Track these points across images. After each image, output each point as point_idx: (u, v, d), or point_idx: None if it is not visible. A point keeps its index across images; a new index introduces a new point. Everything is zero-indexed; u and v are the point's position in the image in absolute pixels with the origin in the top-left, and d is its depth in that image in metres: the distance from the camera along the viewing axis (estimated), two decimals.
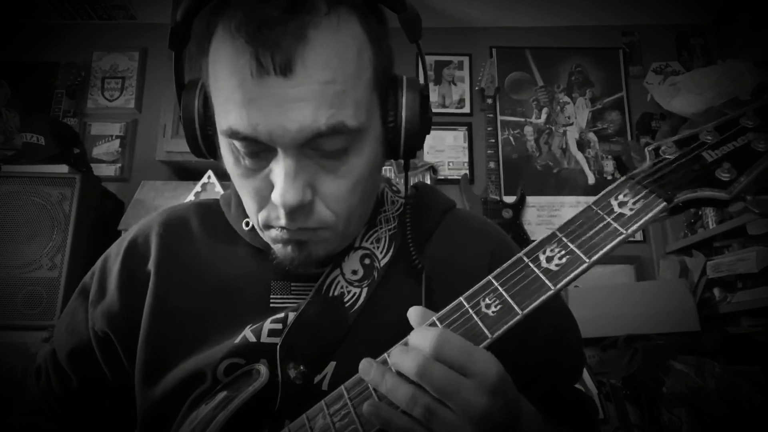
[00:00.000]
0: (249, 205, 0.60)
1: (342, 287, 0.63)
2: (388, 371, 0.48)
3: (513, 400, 0.48)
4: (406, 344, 0.49)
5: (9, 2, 2.48)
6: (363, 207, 0.63)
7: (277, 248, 0.61)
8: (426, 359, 0.45)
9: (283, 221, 0.56)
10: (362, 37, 0.54)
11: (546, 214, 2.46)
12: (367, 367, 0.49)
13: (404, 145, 0.60)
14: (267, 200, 0.57)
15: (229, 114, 0.52)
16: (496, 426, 0.45)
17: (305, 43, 0.50)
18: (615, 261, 2.34)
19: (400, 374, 0.47)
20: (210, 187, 1.96)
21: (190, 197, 1.93)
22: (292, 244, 0.59)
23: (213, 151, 0.62)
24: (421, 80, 0.61)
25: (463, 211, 0.78)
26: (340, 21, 0.52)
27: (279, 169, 0.53)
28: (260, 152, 0.54)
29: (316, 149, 0.54)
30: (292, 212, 0.55)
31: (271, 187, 0.55)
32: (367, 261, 0.65)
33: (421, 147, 0.62)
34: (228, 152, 0.57)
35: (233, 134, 0.53)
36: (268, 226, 0.59)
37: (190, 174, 2.19)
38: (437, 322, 0.50)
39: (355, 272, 0.64)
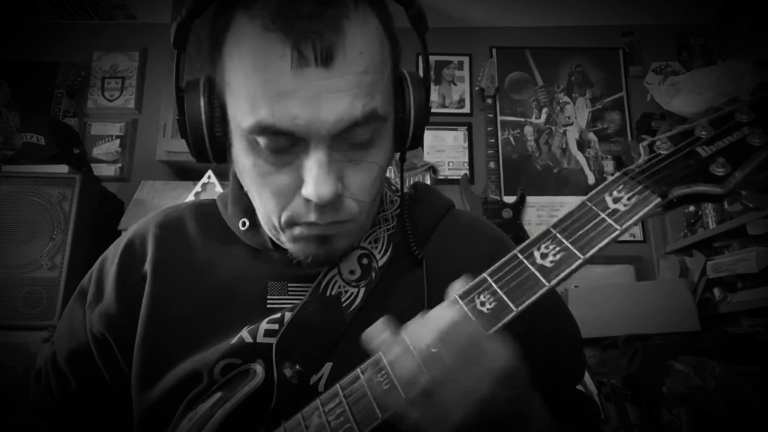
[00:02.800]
0: (270, 204, 0.57)
1: (339, 287, 0.63)
2: (397, 342, 0.47)
3: (521, 396, 0.48)
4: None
5: (9, 2, 2.48)
6: (378, 199, 0.63)
7: (296, 246, 0.60)
8: (434, 344, 0.45)
9: (313, 216, 0.55)
10: (381, 30, 0.55)
11: (546, 214, 2.46)
12: (379, 330, 0.48)
13: (411, 138, 0.61)
14: (291, 198, 0.55)
15: (258, 109, 0.51)
16: (498, 416, 0.45)
17: (342, 34, 0.50)
18: (615, 261, 2.33)
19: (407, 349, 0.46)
20: (210, 187, 1.95)
21: (190, 197, 1.93)
22: (316, 240, 0.58)
23: (219, 155, 0.58)
24: (421, 73, 0.62)
25: (462, 211, 0.77)
26: (366, 14, 0.53)
27: (311, 163, 0.52)
28: (287, 148, 0.53)
29: (347, 140, 0.53)
30: (324, 206, 0.54)
31: (297, 183, 0.54)
32: (365, 261, 0.65)
33: (422, 140, 0.63)
34: (245, 152, 0.55)
35: (264, 130, 0.51)
36: (292, 224, 0.57)
37: (190, 174, 2.20)
38: None
39: (352, 272, 0.64)
